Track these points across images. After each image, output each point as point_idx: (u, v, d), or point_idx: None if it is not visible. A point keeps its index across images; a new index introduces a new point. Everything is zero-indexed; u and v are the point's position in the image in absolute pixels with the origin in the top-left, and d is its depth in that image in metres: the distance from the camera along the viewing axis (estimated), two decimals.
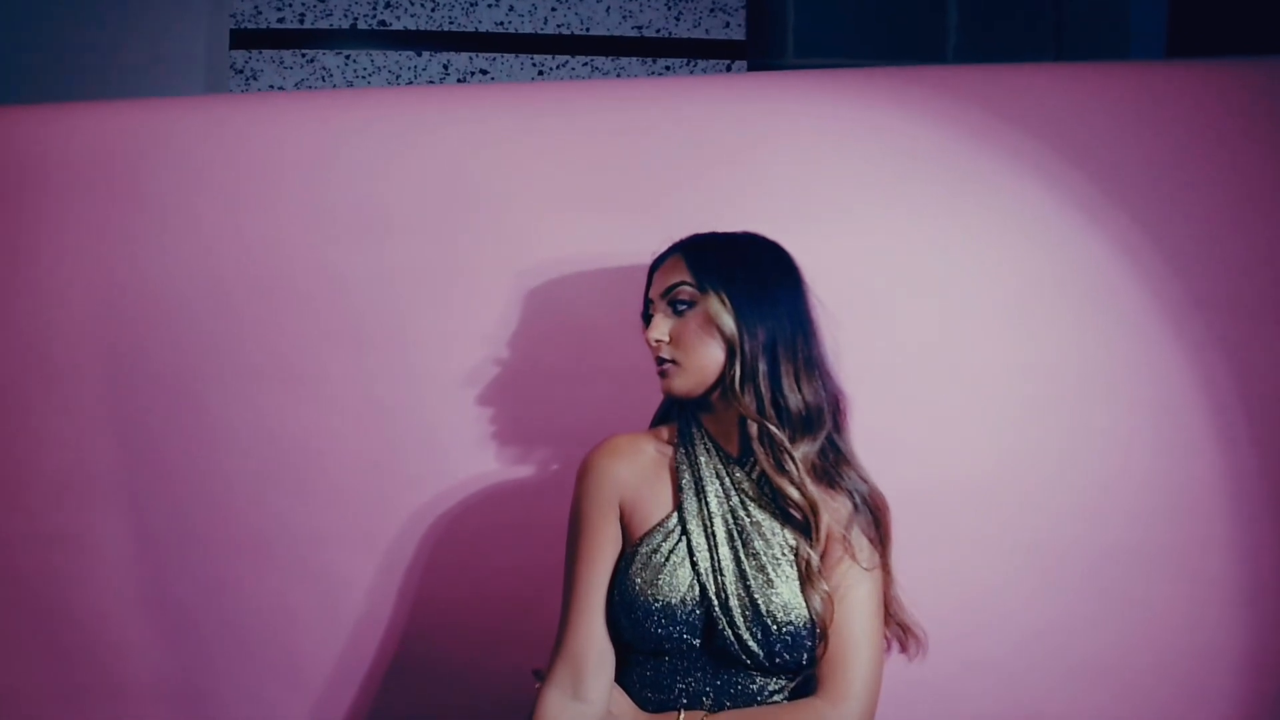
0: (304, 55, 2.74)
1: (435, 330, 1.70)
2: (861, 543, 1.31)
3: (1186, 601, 1.62)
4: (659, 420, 1.47)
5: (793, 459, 1.29)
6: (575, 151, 1.72)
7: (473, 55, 2.78)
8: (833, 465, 1.34)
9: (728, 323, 1.31)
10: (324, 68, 2.74)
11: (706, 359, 1.32)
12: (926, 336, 1.65)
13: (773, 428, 1.30)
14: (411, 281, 1.71)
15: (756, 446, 1.31)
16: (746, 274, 1.34)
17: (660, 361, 1.36)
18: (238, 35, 2.70)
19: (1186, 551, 1.62)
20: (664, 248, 1.43)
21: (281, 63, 2.73)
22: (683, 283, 1.35)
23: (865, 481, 1.35)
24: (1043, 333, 1.64)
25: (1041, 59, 2.86)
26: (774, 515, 1.32)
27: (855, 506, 1.33)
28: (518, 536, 1.67)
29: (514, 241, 1.70)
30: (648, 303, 1.41)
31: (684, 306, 1.34)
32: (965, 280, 1.65)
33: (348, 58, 2.75)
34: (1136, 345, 1.63)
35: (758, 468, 1.32)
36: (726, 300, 1.32)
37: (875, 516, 1.33)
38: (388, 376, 1.71)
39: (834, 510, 1.32)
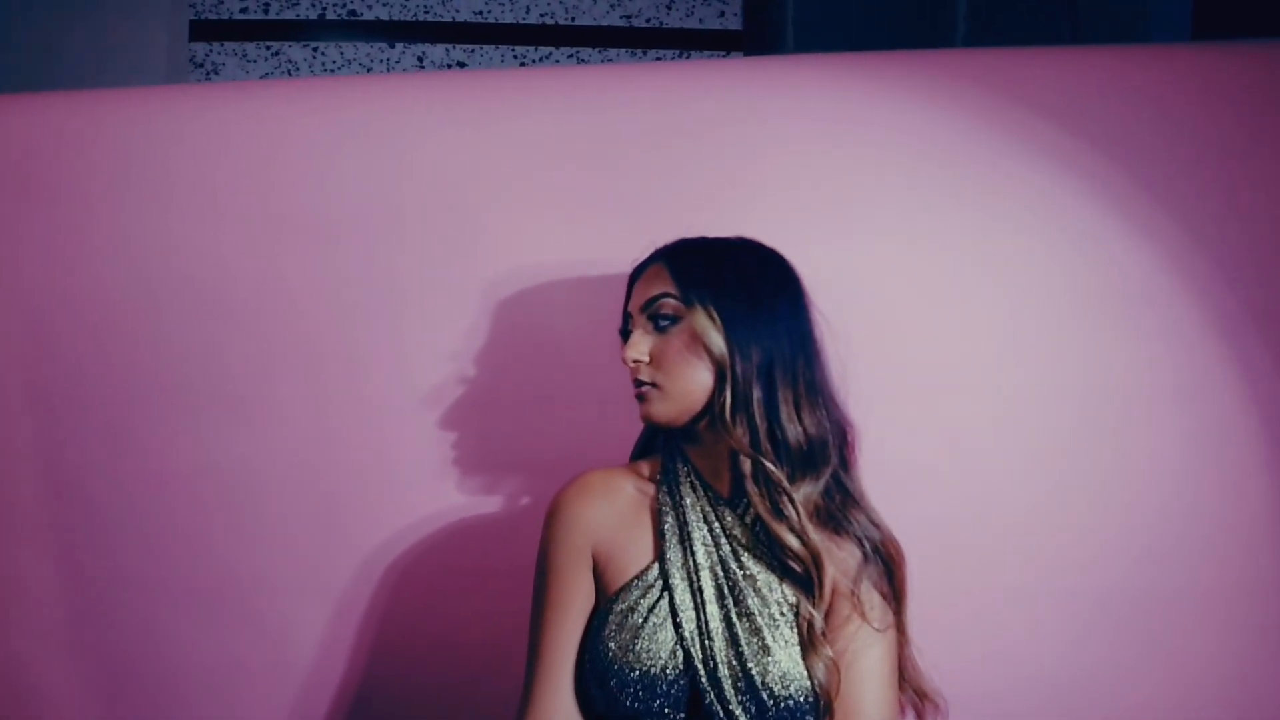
0: (268, 48, 2.56)
1: (393, 347, 1.52)
2: (873, 598, 1.13)
3: (1237, 651, 1.45)
4: (639, 453, 1.29)
5: (792, 501, 1.11)
6: (551, 146, 1.54)
7: (450, 47, 2.60)
8: (839, 508, 1.15)
9: (716, 341, 1.13)
10: (290, 61, 2.56)
11: (692, 383, 1.15)
12: (946, 355, 1.46)
13: (769, 464, 1.12)
14: (367, 293, 1.53)
15: (750, 486, 1.13)
16: (739, 285, 1.17)
17: (638, 384, 1.18)
18: (197, 26, 2.52)
19: (1238, 596, 1.44)
20: (645, 255, 1.25)
21: (244, 55, 2.55)
22: (665, 295, 1.17)
23: (877, 526, 1.16)
24: (1077, 350, 1.45)
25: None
26: (771, 567, 1.13)
27: (865, 556, 1.14)
28: (483, 581, 1.49)
29: (483, 247, 1.53)
30: (626, 317, 1.23)
31: (666, 322, 1.17)
32: (990, 291, 1.47)
33: (315, 50, 2.57)
34: (1181, 363, 1.45)
35: (752, 511, 1.14)
36: (715, 315, 1.14)
37: (889, 568, 1.15)
38: (341, 399, 1.53)
39: (840, 561, 1.13)
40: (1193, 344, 1.44)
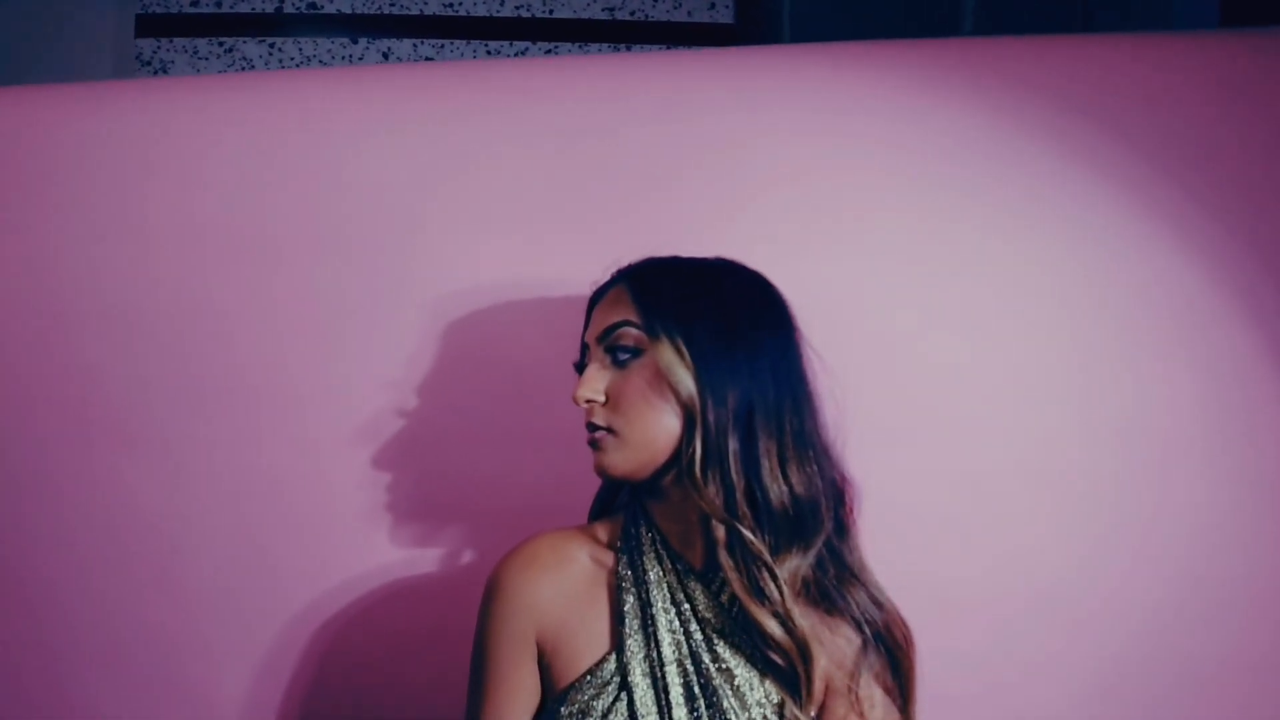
0: (221, 44, 2.37)
1: (331, 376, 1.33)
2: (874, 695, 0.94)
3: None
4: (599, 510, 1.10)
5: (774, 578, 0.92)
6: (510, 148, 1.35)
7: (418, 42, 2.41)
8: (834, 582, 0.96)
9: (684, 380, 0.94)
10: (245, 58, 2.37)
11: (655, 429, 0.96)
12: (960, 389, 1.27)
13: (746, 532, 0.92)
14: (303, 315, 1.34)
15: (724, 558, 0.94)
16: (714, 313, 0.98)
17: (592, 429, 0.99)
18: (145, 21, 2.33)
19: None
20: (607, 276, 1.06)
21: (195, 53, 2.36)
22: (625, 323, 0.98)
23: (880, 605, 0.97)
24: (1115, 382, 1.26)
25: None
26: (751, 659, 0.94)
27: (865, 642, 0.95)
28: (422, 647, 1.29)
29: (429, 261, 1.34)
30: (584, 348, 1.04)
31: (627, 355, 0.98)
32: (1010, 311, 1.29)
33: (272, 46, 2.38)
34: (1233, 396, 1.25)
35: (728, 589, 0.94)
36: (684, 349, 0.95)
37: (894, 656, 0.96)
38: (273, 437, 1.33)
39: (835, 649, 0.94)
40: (1247, 374, 1.25)
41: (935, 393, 1.27)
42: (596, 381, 0.98)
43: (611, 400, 0.98)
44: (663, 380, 0.95)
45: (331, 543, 1.33)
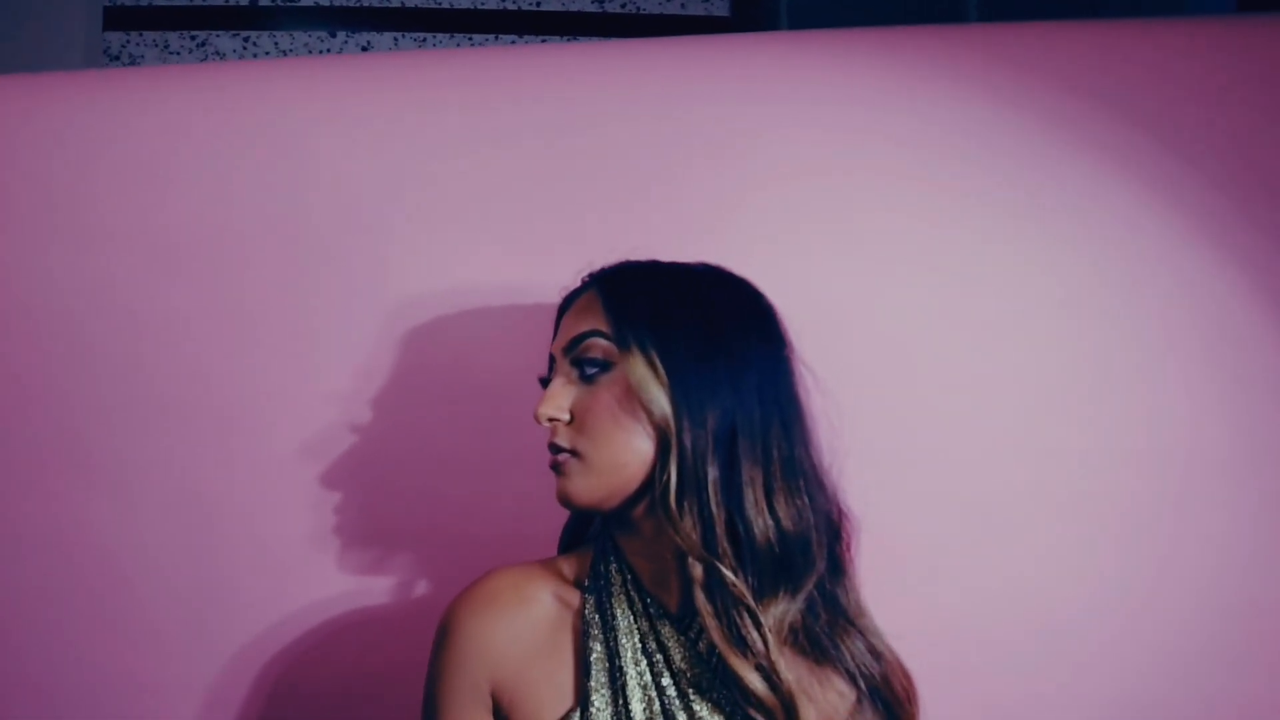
0: (193, 38, 2.27)
1: (279, 392, 1.22)
2: None
3: None
4: (569, 541, 0.99)
5: (758, 625, 0.81)
6: (480, 141, 1.24)
7: (399, 35, 2.31)
8: (826, 629, 0.85)
9: (658, 399, 0.84)
10: (218, 52, 2.27)
11: (624, 454, 0.85)
12: (971, 413, 1.16)
13: (727, 572, 0.81)
14: (245, 323, 1.23)
15: (701, 601, 0.83)
16: (694, 323, 0.87)
17: (554, 450, 0.88)
18: (113, 14, 2.23)
19: None
20: (579, 280, 0.96)
21: (166, 46, 2.26)
22: (594, 333, 0.88)
23: (878, 655, 0.86)
24: (1134, 401, 1.15)
25: None
26: (730, 718, 0.83)
27: (860, 696, 0.84)
28: (375, 688, 1.18)
29: (388, 265, 1.23)
30: (551, 361, 0.93)
31: (595, 369, 0.87)
32: (1025, 328, 1.17)
33: (247, 40, 2.28)
34: (1261, 413, 1.14)
35: (706, 636, 0.84)
36: (658, 363, 0.85)
37: (892, 712, 0.85)
38: (212, 459, 1.23)
39: (825, 704, 0.83)
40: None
41: (942, 410, 1.15)
42: (560, 398, 0.88)
43: (577, 419, 0.87)
44: (634, 398, 0.84)
45: (287, 571, 1.22)
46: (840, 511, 0.88)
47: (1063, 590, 1.15)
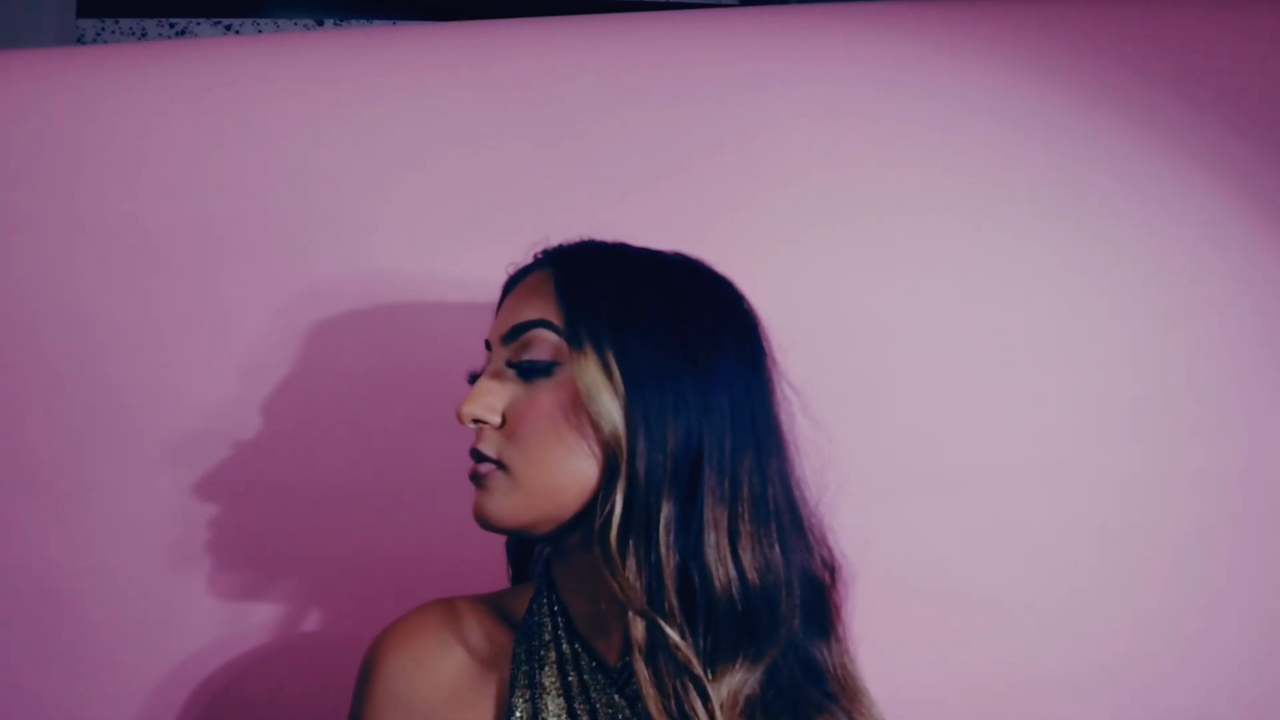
0: (172, 25, 2.14)
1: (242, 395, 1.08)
2: None
3: None
4: (514, 562, 0.85)
5: (705, 701, 0.65)
6: (471, 125, 1.10)
7: (390, 24, 2.17)
8: (794, 702, 0.68)
9: (609, 412, 0.68)
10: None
11: (561, 473, 0.70)
12: (1002, 436, 1.00)
13: (673, 634, 0.65)
14: (184, 311, 1.09)
15: (639, 664, 0.67)
16: (660, 324, 0.72)
17: (477, 458, 0.73)
18: (86, 0, 2.11)
19: None
20: (530, 256, 0.81)
21: (144, 35, 2.13)
22: (541, 324, 0.72)
23: None
24: (1204, 422, 1.00)
25: None
26: None
27: None
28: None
29: (374, 260, 1.08)
30: (488, 348, 0.78)
31: (537, 368, 0.71)
32: (1078, 347, 1.02)
33: (229, 28, 2.15)
34: None
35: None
36: (614, 368, 0.69)
37: None
38: (109, 467, 1.08)
39: None
40: None
41: (974, 431, 1.00)
42: (491, 395, 0.72)
43: (510, 424, 0.71)
44: (581, 408, 0.69)
45: (220, 594, 1.08)
46: (828, 559, 0.73)
47: (1109, 628, 0.99)
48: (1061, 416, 1.01)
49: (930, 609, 0.96)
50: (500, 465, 0.71)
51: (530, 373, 0.71)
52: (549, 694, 0.70)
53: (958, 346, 1.02)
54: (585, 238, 0.81)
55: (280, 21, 2.15)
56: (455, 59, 1.19)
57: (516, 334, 0.73)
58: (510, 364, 0.73)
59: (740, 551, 0.67)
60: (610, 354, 0.69)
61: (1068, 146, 1.05)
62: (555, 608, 0.73)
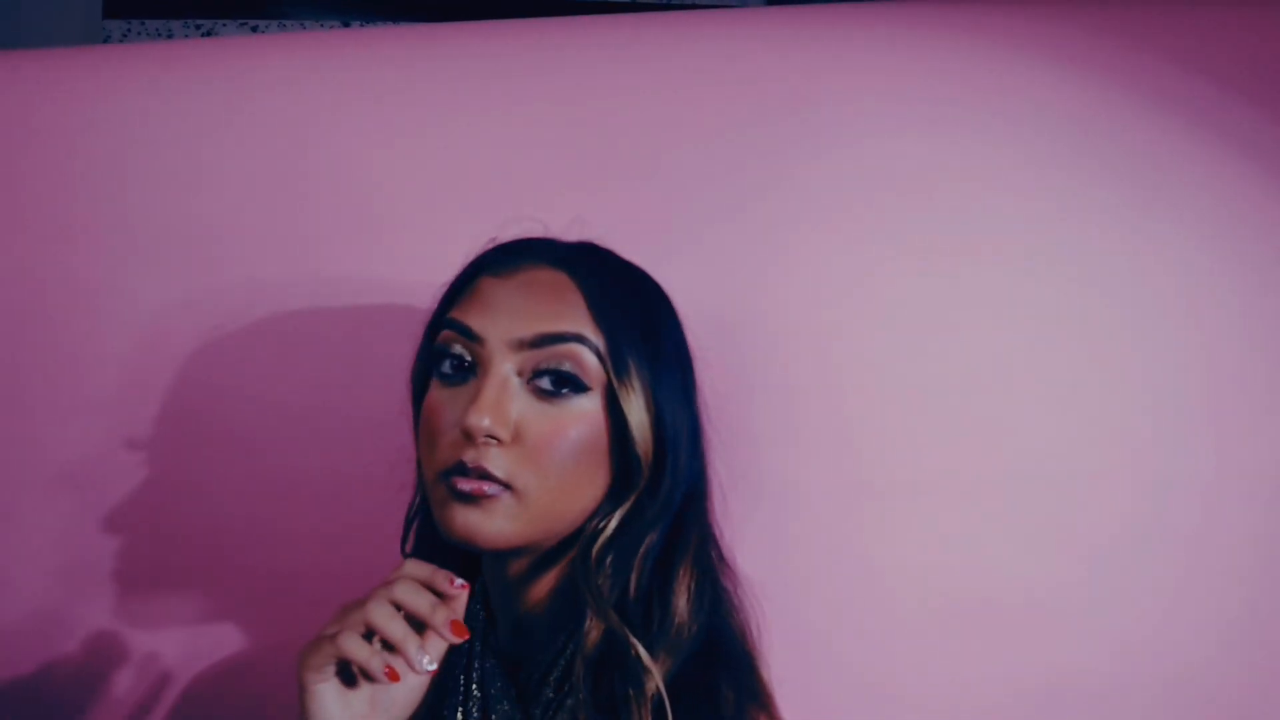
0: (198, 26, 2.12)
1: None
2: None
3: None
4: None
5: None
6: (492, 123, 1.10)
7: (418, 26, 2.13)
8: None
9: (650, 449, 0.66)
10: None
11: (575, 500, 0.67)
12: (1077, 442, 0.97)
13: (642, 652, 0.61)
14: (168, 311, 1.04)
15: (579, 674, 0.63)
16: (673, 356, 0.72)
17: (480, 476, 0.65)
18: (112, 1, 2.10)
19: None
20: (507, 233, 0.76)
21: (170, 35, 2.12)
22: (579, 340, 0.66)
23: None
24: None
25: None
26: None
27: None
28: None
29: (393, 255, 1.05)
30: (466, 334, 0.68)
31: (567, 389, 0.66)
32: (1149, 344, 0.98)
33: (255, 30, 2.13)
34: None
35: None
36: (654, 404, 0.66)
37: None
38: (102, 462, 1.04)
39: None
40: None
41: (1033, 433, 0.96)
42: (507, 408, 0.65)
43: (529, 445, 0.65)
44: (605, 439, 0.65)
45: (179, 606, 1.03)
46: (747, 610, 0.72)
47: (1186, 640, 0.94)
48: (1132, 418, 0.96)
49: (976, 613, 0.91)
50: (508, 486, 0.64)
51: (555, 390, 0.65)
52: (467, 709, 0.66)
53: (1021, 345, 0.97)
54: (584, 240, 0.76)
55: (306, 23, 2.12)
56: (460, 58, 1.18)
57: (546, 343, 0.65)
58: (536, 373, 0.66)
59: (701, 594, 0.65)
60: (650, 389, 0.66)
61: (1143, 142, 1.00)
62: (478, 611, 0.70)
